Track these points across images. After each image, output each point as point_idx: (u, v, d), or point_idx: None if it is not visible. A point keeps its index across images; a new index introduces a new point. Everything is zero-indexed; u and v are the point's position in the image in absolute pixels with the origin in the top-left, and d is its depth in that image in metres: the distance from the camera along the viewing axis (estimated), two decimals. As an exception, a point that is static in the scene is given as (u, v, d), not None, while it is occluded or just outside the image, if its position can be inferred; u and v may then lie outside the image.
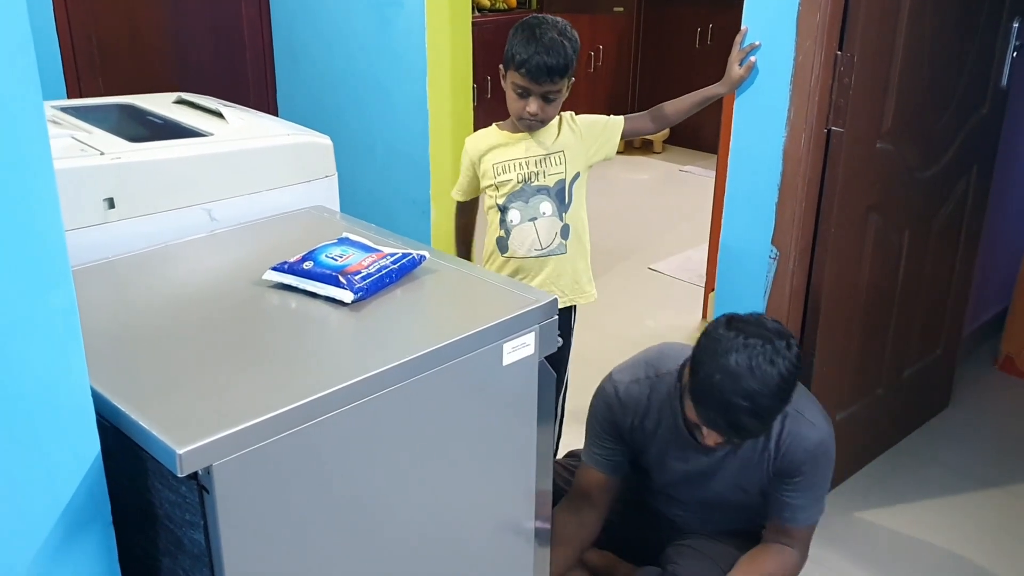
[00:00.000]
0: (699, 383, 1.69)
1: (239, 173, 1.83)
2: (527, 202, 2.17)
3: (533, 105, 2.07)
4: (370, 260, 1.53)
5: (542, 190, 2.17)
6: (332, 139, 1.99)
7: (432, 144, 3.06)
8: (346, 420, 1.23)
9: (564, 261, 2.21)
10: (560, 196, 2.18)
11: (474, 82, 3.24)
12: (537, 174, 2.16)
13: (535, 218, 2.18)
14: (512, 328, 1.43)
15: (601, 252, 2.09)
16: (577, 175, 2.19)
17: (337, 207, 2.01)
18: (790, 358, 1.66)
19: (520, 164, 2.16)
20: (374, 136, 3.26)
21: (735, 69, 2.21)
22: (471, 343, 1.39)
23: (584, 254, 2.26)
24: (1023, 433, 3.00)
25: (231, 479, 1.11)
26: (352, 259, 1.53)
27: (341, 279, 1.47)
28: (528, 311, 1.46)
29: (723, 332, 1.69)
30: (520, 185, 2.16)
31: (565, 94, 2.12)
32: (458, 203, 2.35)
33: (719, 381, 1.65)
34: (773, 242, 2.27)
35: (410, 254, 1.57)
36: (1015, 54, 2.65)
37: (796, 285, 2.29)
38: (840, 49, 2.13)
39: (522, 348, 1.46)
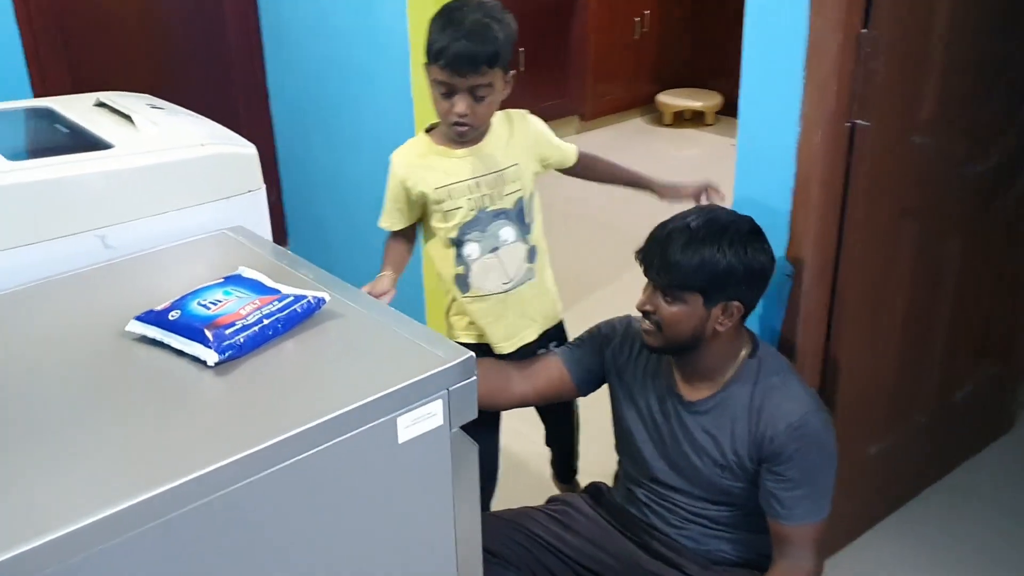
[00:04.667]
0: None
1: (139, 192, 1.59)
2: (484, 231, 1.81)
3: (461, 104, 1.70)
4: (251, 308, 1.27)
5: (500, 215, 1.81)
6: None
7: (418, 133, 2.83)
8: (195, 519, 1.01)
9: (534, 287, 1.90)
10: (520, 217, 1.84)
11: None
12: (491, 196, 1.80)
13: (496, 248, 1.82)
14: (408, 398, 1.16)
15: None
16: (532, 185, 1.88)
17: (266, 223, 1.76)
18: None
19: (469, 187, 1.79)
20: (359, 126, 3.05)
21: (685, 190, 1.95)
22: (352, 419, 1.12)
23: (550, 272, 1.95)
24: (1097, 461, 2.62)
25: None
26: (229, 306, 1.27)
27: (207, 333, 1.21)
28: (432, 375, 1.18)
29: None
30: (473, 213, 1.80)
31: (502, 91, 1.75)
32: (390, 234, 1.90)
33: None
34: (788, 257, 1.94)
35: (304, 298, 1.31)
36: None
37: (814, 307, 1.96)
38: (865, 27, 1.78)
39: (426, 419, 1.19)
